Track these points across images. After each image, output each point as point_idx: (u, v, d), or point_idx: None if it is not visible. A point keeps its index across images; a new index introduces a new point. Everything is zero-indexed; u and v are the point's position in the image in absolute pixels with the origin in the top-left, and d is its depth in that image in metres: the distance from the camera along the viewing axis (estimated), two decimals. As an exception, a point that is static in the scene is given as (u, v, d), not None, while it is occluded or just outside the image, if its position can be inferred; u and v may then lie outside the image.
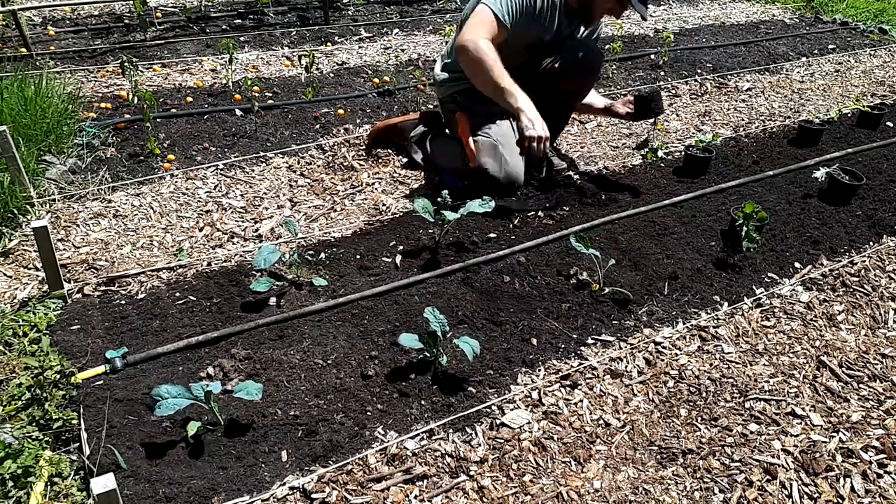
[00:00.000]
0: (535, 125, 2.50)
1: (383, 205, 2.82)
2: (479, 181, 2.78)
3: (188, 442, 1.66)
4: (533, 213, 2.73)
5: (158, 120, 3.38)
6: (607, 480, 1.66)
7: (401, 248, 2.48)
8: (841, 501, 1.64)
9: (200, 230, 2.61)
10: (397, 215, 2.73)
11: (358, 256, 2.44)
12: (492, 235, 2.57)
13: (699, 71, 4.57)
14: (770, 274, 2.47)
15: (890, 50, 5.29)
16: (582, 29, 2.88)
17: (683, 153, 3.22)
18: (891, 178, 3.13)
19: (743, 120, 3.85)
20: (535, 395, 1.89)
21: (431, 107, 3.75)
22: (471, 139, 2.82)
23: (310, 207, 2.79)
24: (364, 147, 3.28)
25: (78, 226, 2.58)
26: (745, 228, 2.45)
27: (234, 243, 2.53)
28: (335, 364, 1.93)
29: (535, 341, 2.07)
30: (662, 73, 4.50)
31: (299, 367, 1.89)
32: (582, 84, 2.91)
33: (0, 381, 1.81)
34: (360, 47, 4.83)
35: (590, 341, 2.11)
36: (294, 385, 1.84)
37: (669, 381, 1.98)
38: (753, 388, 1.96)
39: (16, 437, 1.60)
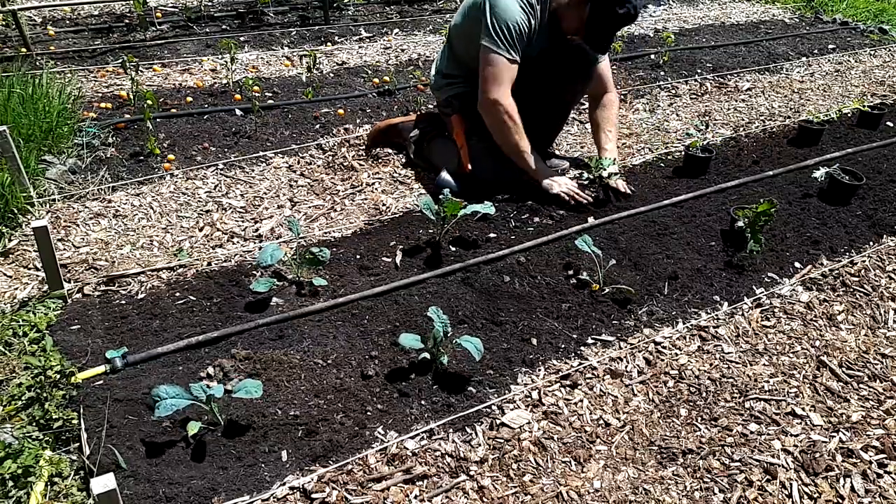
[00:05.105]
0: (557, 187, 2.77)
1: (383, 205, 2.82)
2: (472, 184, 2.82)
3: (188, 442, 1.66)
4: (532, 213, 2.73)
5: (158, 120, 3.38)
6: (607, 480, 1.66)
7: (401, 247, 2.48)
8: (841, 501, 1.64)
9: (200, 230, 2.61)
10: (397, 215, 2.73)
11: (358, 256, 2.44)
12: (492, 235, 2.57)
13: (699, 71, 4.57)
14: (770, 274, 2.46)
15: (890, 50, 5.28)
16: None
17: (683, 153, 3.22)
18: (891, 178, 3.13)
19: (743, 120, 3.85)
20: (535, 394, 1.89)
21: (431, 107, 3.75)
22: (465, 142, 2.84)
23: (310, 207, 2.79)
24: (364, 147, 3.28)
25: (78, 226, 2.58)
26: (752, 229, 2.42)
27: (234, 243, 2.53)
28: (335, 364, 1.93)
29: (535, 341, 2.07)
30: (662, 73, 4.50)
31: (299, 367, 1.89)
32: (574, 88, 2.93)
33: (0, 381, 1.81)
34: (360, 47, 4.83)
35: (590, 341, 2.11)
36: (294, 385, 1.84)
37: (669, 381, 1.98)
38: (753, 388, 1.96)
39: (16, 437, 1.60)
